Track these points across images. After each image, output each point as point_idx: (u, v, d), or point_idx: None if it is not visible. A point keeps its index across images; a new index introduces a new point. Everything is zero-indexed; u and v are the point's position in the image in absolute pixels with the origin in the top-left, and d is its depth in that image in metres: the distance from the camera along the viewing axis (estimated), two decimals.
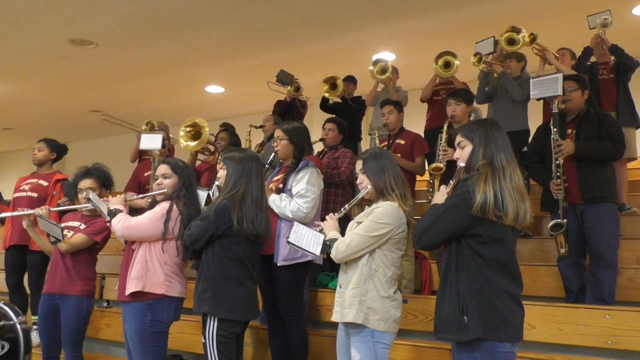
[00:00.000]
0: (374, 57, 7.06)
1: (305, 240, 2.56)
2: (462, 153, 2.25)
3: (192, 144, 4.70)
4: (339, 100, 5.70)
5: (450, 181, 2.33)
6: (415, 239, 2.22)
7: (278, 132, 3.46)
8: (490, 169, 2.10)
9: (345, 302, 2.50)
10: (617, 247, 3.48)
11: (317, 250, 2.56)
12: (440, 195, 2.30)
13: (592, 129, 3.55)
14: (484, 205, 2.02)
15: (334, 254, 2.53)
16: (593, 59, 5.05)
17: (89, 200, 3.19)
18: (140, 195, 3.43)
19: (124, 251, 3.25)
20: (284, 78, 5.75)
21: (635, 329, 2.95)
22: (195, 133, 4.74)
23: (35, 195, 4.41)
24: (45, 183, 4.49)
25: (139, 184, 4.99)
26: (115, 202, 3.10)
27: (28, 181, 4.54)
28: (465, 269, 2.09)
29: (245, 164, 2.87)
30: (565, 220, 3.45)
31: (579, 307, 3.20)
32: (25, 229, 4.26)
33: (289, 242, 2.55)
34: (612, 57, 4.90)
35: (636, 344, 2.94)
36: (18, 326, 3.49)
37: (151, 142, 4.18)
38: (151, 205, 3.13)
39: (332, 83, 5.75)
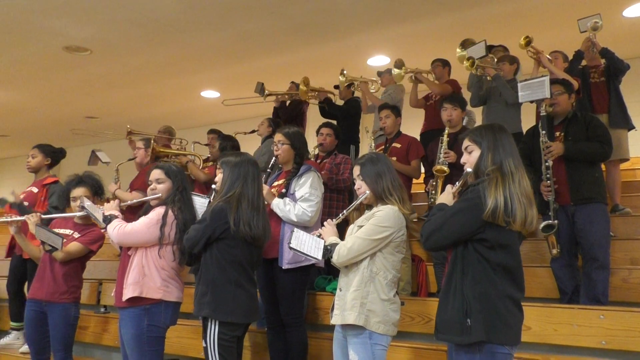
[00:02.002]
0: (368, 61, 7.16)
1: (307, 246, 2.58)
2: (470, 157, 2.27)
3: None
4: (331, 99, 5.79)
5: (457, 182, 2.36)
6: (422, 240, 2.23)
7: (279, 137, 3.47)
8: (499, 174, 2.13)
9: (347, 304, 2.52)
10: (608, 247, 3.51)
11: (319, 255, 2.57)
12: (446, 195, 2.33)
13: (580, 131, 3.60)
14: (494, 210, 2.05)
15: (335, 258, 2.54)
16: (584, 62, 5.11)
17: (83, 208, 3.20)
18: (135, 201, 3.44)
19: (119, 257, 3.26)
20: (257, 89, 5.94)
21: (630, 329, 2.98)
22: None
23: (26, 203, 4.40)
24: (35, 189, 4.48)
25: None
26: (109, 207, 3.11)
27: (25, 190, 4.54)
28: (470, 272, 2.11)
29: (242, 168, 2.89)
30: (556, 221, 3.49)
31: (574, 307, 3.23)
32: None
33: (291, 248, 2.56)
34: (603, 60, 4.95)
35: (630, 344, 2.97)
36: None
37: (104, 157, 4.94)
38: (145, 211, 3.14)
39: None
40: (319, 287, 4.14)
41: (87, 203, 3.16)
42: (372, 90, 5.96)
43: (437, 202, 2.34)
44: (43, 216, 3.56)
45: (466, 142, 2.30)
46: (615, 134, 4.49)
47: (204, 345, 2.75)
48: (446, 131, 4.14)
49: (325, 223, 2.75)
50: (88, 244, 3.46)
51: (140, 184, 4.55)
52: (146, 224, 2.94)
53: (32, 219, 3.46)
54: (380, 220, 2.53)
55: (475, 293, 2.08)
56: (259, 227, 2.82)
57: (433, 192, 4.10)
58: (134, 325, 2.90)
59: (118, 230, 2.92)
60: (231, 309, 2.73)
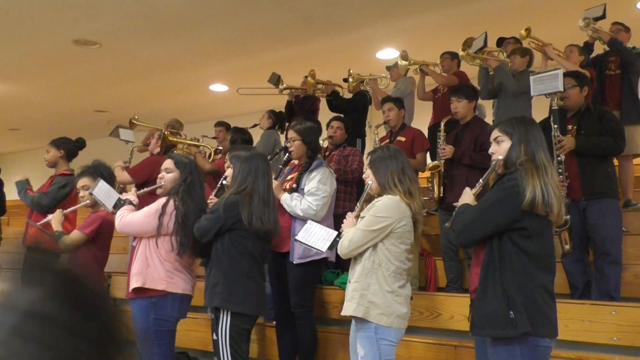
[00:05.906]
0: (377, 54, 7.10)
1: (314, 238, 2.63)
2: (499, 148, 2.27)
3: None
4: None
5: (480, 180, 2.35)
6: (455, 235, 2.22)
7: (291, 134, 3.50)
8: (533, 165, 2.14)
9: (347, 295, 2.55)
10: (620, 242, 3.48)
11: (324, 247, 2.61)
12: (468, 196, 2.33)
13: (592, 124, 3.54)
14: (533, 200, 2.05)
15: (339, 250, 2.58)
16: (603, 48, 4.96)
17: (91, 195, 3.19)
18: (143, 190, 3.43)
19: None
20: (271, 79, 5.87)
21: None
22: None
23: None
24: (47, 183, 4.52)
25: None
26: (129, 194, 3.16)
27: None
28: (508, 265, 2.10)
29: (252, 162, 2.90)
30: (568, 217, 3.45)
31: (585, 303, 3.20)
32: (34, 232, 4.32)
33: (296, 240, 2.61)
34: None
35: None
36: None
37: (127, 135, 5.15)
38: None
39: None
40: (327, 280, 4.13)
41: (101, 184, 3.11)
42: (381, 87, 5.90)
43: (459, 204, 2.34)
44: (65, 211, 3.52)
45: (496, 133, 2.29)
46: (627, 129, 4.41)
47: (215, 338, 2.75)
48: (442, 126, 4.11)
49: (347, 215, 2.76)
50: (83, 229, 3.35)
51: (137, 169, 4.60)
52: (144, 214, 2.95)
53: (57, 215, 3.42)
54: (377, 211, 2.54)
55: (515, 285, 2.07)
56: (270, 222, 2.84)
57: (430, 188, 4.10)
58: (141, 319, 2.91)
59: (120, 219, 2.95)
60: (242, 300, 2.76)
